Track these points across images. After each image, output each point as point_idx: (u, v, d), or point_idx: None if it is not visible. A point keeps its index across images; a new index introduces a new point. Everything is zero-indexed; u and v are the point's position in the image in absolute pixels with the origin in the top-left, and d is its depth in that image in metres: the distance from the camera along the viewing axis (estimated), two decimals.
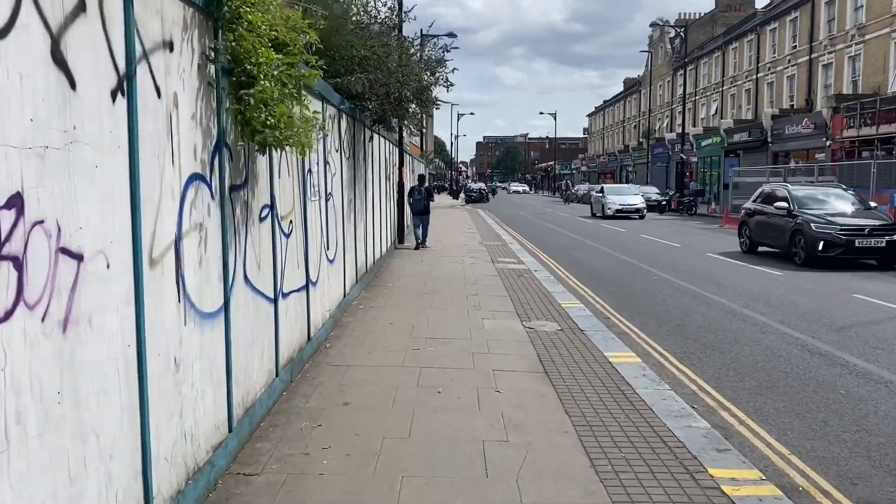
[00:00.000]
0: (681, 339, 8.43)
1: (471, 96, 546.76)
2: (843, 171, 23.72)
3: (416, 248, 17.39)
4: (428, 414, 5.32)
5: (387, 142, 15.36)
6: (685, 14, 59.58)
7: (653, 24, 42.94)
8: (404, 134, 19.85)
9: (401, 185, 18.54)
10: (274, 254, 5.50)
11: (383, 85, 10.03)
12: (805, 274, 13.66)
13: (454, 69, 11.82)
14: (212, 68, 4.09)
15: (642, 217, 32.69)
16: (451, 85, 11.86)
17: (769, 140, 37.49)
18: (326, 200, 8.00)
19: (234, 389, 4.46)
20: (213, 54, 4.07)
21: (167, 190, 3.46)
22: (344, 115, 9.31)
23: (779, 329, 8.88)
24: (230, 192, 4.39)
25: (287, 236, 6.02)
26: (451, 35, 43.87)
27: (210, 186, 4.05)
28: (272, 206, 5.46)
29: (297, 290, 6.40)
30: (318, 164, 7.39)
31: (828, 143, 31.50)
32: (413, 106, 11.26)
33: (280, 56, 4.52)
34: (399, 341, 7.62)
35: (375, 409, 5.43)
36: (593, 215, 34.87)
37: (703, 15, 55.27)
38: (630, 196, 34.43)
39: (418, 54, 11.41)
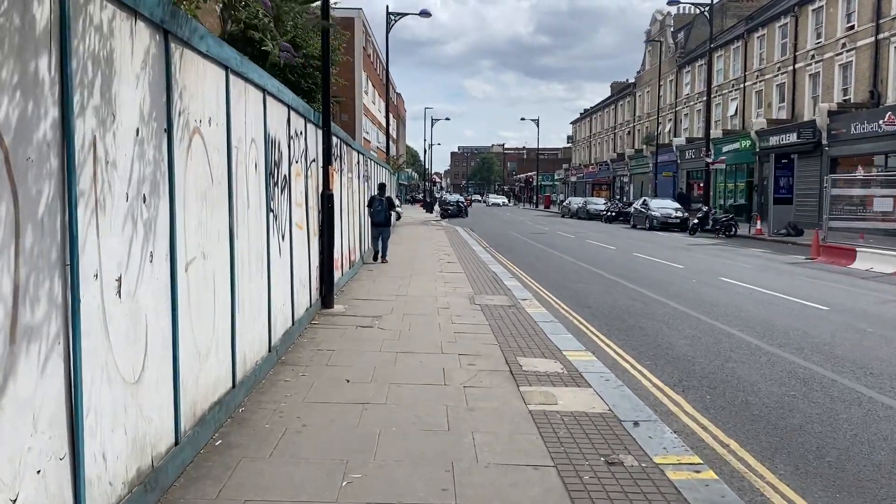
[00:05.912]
0: None
1: (440, 107, 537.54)
2: None
3: (375, 259, 16.32)
4: None
5: (273, 100, 6.86)
6: (683, 11, 52.14)
7: (671, 2, 35.00)
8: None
9: (328, 197, 10.04)
10: None
11: None
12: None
13: None
14: None
15: None
16: None
17: (825, 142, 29.74)
18: None
19: None
20: None
21: None
22: None
23: None
24: None
25: None
26: (425, 13, 35.98)
27: None
28: None
29: None
30: None
31: None
32: None
33: None
34: None
35: None
36: None
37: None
38: None
39: None
